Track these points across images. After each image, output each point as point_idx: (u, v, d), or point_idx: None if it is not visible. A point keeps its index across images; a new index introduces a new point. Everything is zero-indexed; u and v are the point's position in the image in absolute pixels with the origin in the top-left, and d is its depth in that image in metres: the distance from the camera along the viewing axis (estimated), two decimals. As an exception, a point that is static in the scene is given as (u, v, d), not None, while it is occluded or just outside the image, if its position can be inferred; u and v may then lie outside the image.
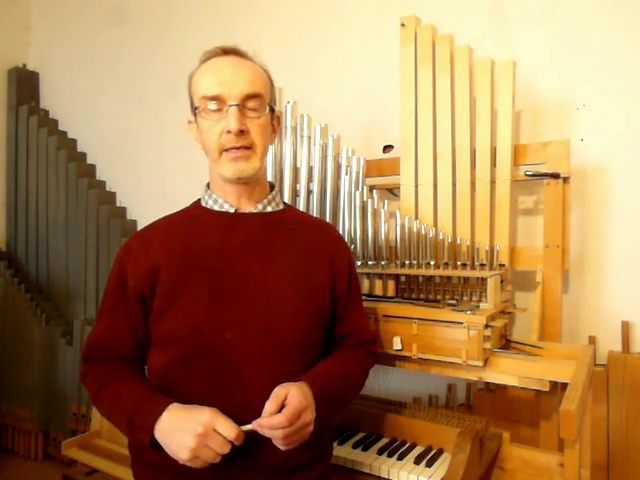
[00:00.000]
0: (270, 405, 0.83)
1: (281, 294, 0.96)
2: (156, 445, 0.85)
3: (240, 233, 0.98)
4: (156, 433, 0.84)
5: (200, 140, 1.00)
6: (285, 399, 0.84)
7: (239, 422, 0.84)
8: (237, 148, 0.94)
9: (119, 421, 0.91)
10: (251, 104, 0.94)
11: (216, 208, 1.01)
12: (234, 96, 0.92)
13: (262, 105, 0.96)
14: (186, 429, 0.81)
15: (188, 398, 0.88)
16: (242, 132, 0.92)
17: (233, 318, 0.93)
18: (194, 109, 0.97)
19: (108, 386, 0.94)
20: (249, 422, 0.84)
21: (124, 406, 0.90)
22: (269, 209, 1.04)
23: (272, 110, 1.00)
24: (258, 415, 0.84)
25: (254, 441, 0.87)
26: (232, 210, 1.00)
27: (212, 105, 0.93)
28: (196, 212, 1.03)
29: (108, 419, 0.95)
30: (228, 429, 0.81)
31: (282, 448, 0.84)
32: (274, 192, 1.07)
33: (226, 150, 0.94)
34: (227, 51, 0.97)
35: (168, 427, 0.83)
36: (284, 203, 1.11)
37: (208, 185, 1.05)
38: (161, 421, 0.84)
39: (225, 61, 0.96)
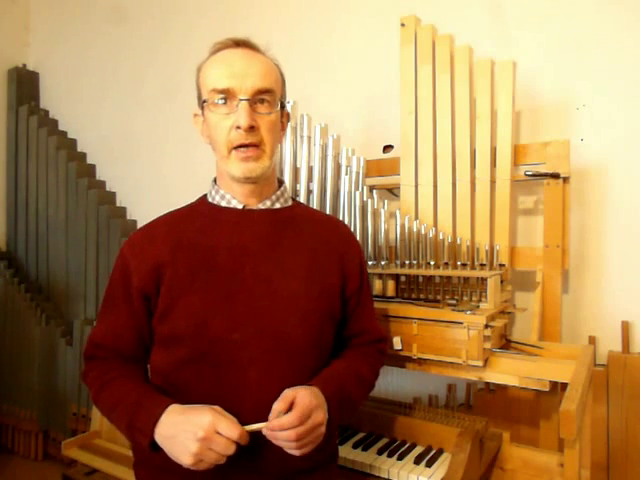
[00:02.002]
0: (278, 405, 0.81)
1: (290, 293, 0.93)
2: (155, 447, 0.83)
3: (248, 230, 0.95)
4: (156, 436, 0.82)
5: (207, 134, 0.96)
6: (293, 400, 0.82)
7: (245, 425, 0.81)
8: (246, 146, 0.90)
9: (119, 423, 0.89)
10: (262, 100, 0.91)
11: (223, 204, 0.98)
12: (245, 90, 0.89)
13: (273, 101, 0.93)
14: (187, 433, 0.78)
15: (192, 400, 0.86)
16: (252, 128, 0.89)
17: (240, 318, 0.90)
18: (202, 102, 0.94)
19: (108, 386, 0.92)
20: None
21: (123, 408, 0.87)
22: (277, 205, 1.00)
23: (282, 106, 0.97)
24: (265, 418, 0.82)
25: (260, 444, 0.84)
26: (240, 206, 0.97)
27: (221, 99, 0.90)
28: (202, 208, 1.00)
29: (109, 420, 0.93)
30: (231, 430, 0.78)
31: (296, 453, 0.81)
32: (283, 188, 1.03)
33: (235, 148, 0.91)
34: (239, 43, 0.93)
35: (168, 431, 0.81)
36: (293, 199, 1.07)
37: (215, 180, 1.01)
38: (160, 424, 0.81)
39: (236, 53, 0.92)
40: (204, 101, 0.93)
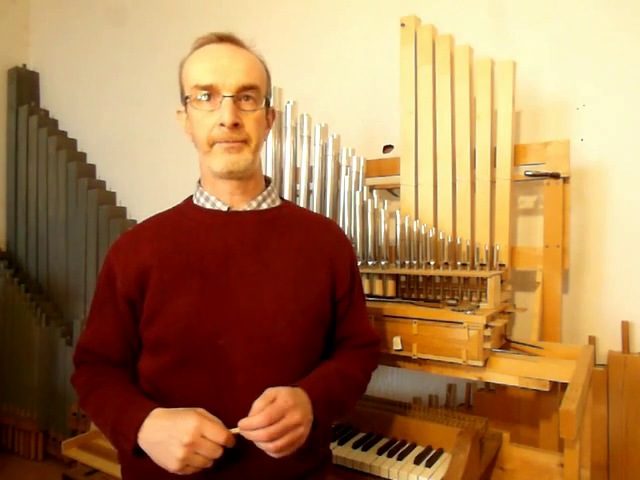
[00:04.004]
0: (257, 403, 0.79)
1: (278, 296, 0.91)
2: (139, 452, 0.82)
3: (234, 232, 0.93)
4: (140, 442, 0.81)
5: (190, 132, 0.94)
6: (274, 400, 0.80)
7: (232, 428, 0.81)
8: (230, 142, 0.88)
9: (104, 428, 0.88)
10: (247, 96, 0.89)
11: (208, 206, 0.96)
12: (229, 87, 0.86)
13: (258, 98, 0.90)
14: (173, 439, 0.76)
15: (179, 406, 0.84)
16: (236, 125, 0.87)
17: (226, 322, 0.88)
18: (185, 98, 0.92)
19: (94, 391, 0.91)
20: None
21: (108, 412, 0.86)
22: (264, 206, 0.98)
23: (267, 104, 0.94)
24: None
25: (250, 448, 0.82)
26: (225, 208, 0.95)
27: (204, 95, 0.88)
28: (187, 210, 0.98)
29: (95, 425, 0.92)
30: (217, 434, 0.77)
31: (274, 455, 0.79)
32: (270, 188, 1.00)
33: (218, 142, 0.89)
34: (222, 38, 0.91)
35: (153, 436, 0.79)
36: (282, 199, 1.05)
37: (200, 181, 0.99)
38: (144, 429, 0.80)
39: (220, 49, 0.90)
40: (187, 97, 0.91)
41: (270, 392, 0.82)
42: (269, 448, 0.79)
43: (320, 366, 0.97)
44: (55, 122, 3.33)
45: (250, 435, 0.78)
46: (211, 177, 0.95)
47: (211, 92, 0.88)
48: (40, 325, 2.81)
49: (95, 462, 1.81)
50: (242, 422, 0.79)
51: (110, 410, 0.86)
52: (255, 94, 0.90)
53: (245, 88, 0.88)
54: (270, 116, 0.99)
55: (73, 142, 3.24)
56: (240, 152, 0.90)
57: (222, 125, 0.87)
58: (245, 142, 0.90)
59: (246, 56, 0.91)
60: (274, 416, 0.78)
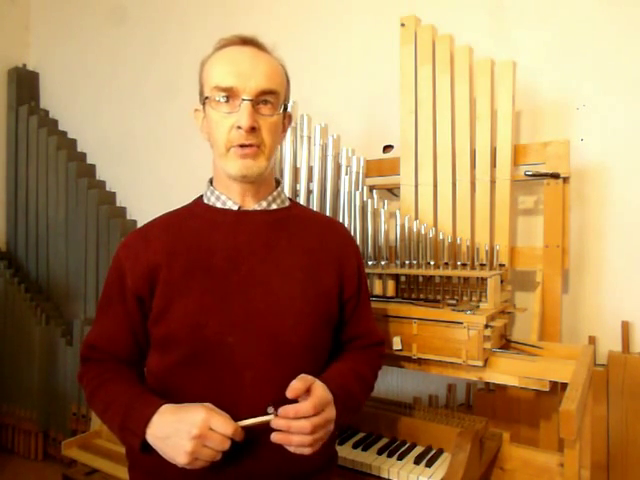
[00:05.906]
0: (298, 383, 0.78)
1: (286, 295, 0.92)
2: (146, 449, 0.82)
3: (243, 231, 0.94)
4: (148, 437, 0.81)
5: (206, 131, 0.95)
6: (310, 387, 0.79)
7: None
8: (246, 146, 0.89)
9: (111, 424, 0.88)
10: (265, 101, 0.90)
11: (219, 205, 0.97)
12: (249, 90, 0.87)
13: (277, 103, 0.92)
14: (181, 432, 0.77)
15: (187, 402, 0.84)
16: (253, 129, 0.88)
17: (235, 320, 0.89)
18: (204, 98, 0.92)
19: (101, 388, 0.92)
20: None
21: (116, 409, 0.87)
22: (274, 206, 0.99)
23: (285, 108, 0.95)
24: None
25: (257, 446, 0.83)
26: (235, 207, 0.96)
27: (224, 97, 0.88)
28: (198, 209, 0.99)
29: (102, 421, 0.92)
30: (225, 426, 0.77)
31: (306, 451, 0.78)
32: (279, 189, 1.02)
33: (234, 147, 0.90)
34: (246, 41, 0.92)
35: (161, 431, 0.80)
36: (290, 200, 1.06)
37: (211, 181, 1.00)
38: (152, 425, 0.81)
39: (243, 51, 0.90)
40: (206, 97, 0.92)
41: (307, 378, 0.81)
42: (306, 441, 0.77)
43: (335, 364, 0.97)
44: (55, 122, 3.33)
45: (292, 425, 0.77)
46: (224, 177, 0.95)
47: (231, 94, 0.88)
48: (40, 325, 2.81)
49: (95, 462, 1.81)
50: (286, 409, 0.77)
51: (118, 407, 0.87)
52: (274, 99, 0.91)
53: (265, 93, 0.89)
54: (287, 120, 1.00)
55: (73, 142, 3.24)
56: (255, 159, 0.90)
57: (239, 128, 0.87)
58: (260, 146, 0.90)
59: (268, 61, 0.92)
60: (319, 408, 0.78)
